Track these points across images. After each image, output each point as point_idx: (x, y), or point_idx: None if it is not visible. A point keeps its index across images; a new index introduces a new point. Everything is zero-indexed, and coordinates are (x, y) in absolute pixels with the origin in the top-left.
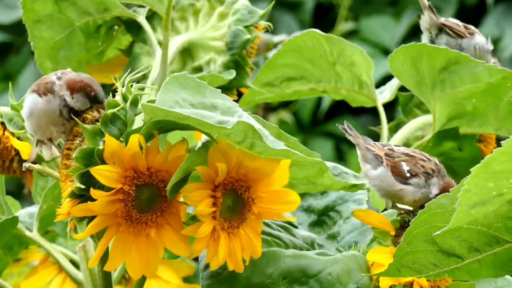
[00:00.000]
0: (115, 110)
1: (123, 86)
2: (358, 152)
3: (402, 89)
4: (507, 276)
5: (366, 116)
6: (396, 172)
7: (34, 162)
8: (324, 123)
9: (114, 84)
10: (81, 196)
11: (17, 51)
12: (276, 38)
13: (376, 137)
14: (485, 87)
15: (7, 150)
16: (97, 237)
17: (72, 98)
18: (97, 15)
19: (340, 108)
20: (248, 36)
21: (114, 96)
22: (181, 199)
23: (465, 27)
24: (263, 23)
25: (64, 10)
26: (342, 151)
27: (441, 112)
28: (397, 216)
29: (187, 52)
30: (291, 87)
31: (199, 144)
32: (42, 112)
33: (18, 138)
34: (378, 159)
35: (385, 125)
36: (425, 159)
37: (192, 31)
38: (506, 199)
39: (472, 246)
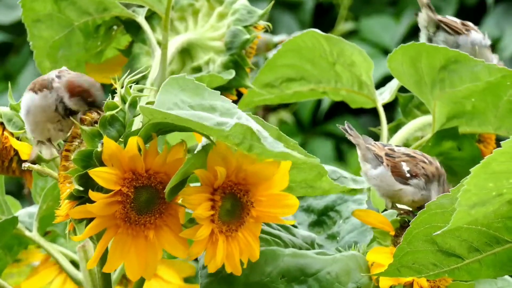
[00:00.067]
0: (113, 112)
1: (122, 88)
2: (358, 151)
3: (401, 90)
4: (507, 277)
5: (366, 116)
6: (396, 172)
7: (33, 162)
8: (324, 123)
9: (113, 84)
10: (80, 198)
11: (17, 51)
12: (276, 38)
13: (376, 137)
14: (485, 86)
15: (6, 150)
16: (96, 238)
17: (70, 100)
18: (96, 15)
19: (340, 108)
20: (247, 36)
21: (113, 97)
22: (180, 201)
23: (463, 24)
24: (263, 23)
25: (63, 9)
26: (342, 151)
27: (441, 111)
28: (397, 216)
29: (186, 52)
30: (291, 88)
31: (199, 147)
32: (38, 108)
33: (17, 138)
34: (378, 158)
35: (385, 126)
36: (426, 161)
37: (191, 31)
38: (506, 199)
39: (472, 246)
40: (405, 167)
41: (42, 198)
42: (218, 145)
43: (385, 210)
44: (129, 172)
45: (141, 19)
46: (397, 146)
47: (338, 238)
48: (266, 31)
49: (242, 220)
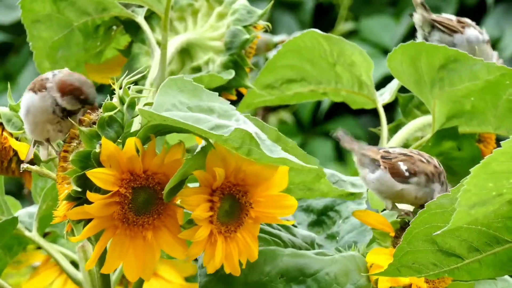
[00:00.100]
0: (111, 113)
1: (120, 88)
2: (355, 157)
3: (401, 90)
4: (507, 277)
5: (366, 116)
6: (395, 173)
7: (32, 163)
8: (324, 123)
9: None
10: (78, 199)
11: (17, 51)
12: (276, 38)
13: (376, 138)
14: (484, 85)
15: (5, 150)
16: (94, 239)
17: (63, 100)
18: (95, 15)
19: (340, 109)
20: (247, 36)
21: (112, 98)
22: (178, 202)
23: (458, 21)
24: (262, 23)
25: (62, 10)
26: (342, 151)
27: (440, 111)
28: (397, 218)
29: (185, 52)
30: (291, 89)
31: (198, 148)
32: (37, 108)
33: (17, 139)
34: (375, 162)
35: (385, 126)
36: (424, 160)
37: (190, 31)
38: (505, 199)
39: (472, 246)
40: (403, 166)
41: (42, 198)
42: (217, 146)
43: (384, 210)
44: (127, 173)
45: (140, 19)
46: (391, 148)
47: (337, 238)
48: (266, 31)
49: (240, 221)
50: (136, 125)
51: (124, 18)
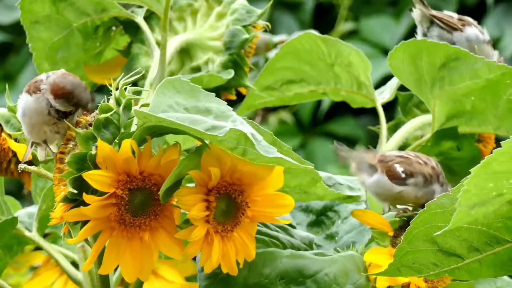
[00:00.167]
0: (108, 114)
1: (116, 90)
2: (352, 165)
3: (401, 89)
4: (506, 277)
5: (366, 116)
6: (391, 175)
7: (30, 163)
8: (324, 123)
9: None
10: (74, 201)
11: (17, 51)
12: (276, 38)
13: (376, 137)
14: (484, 84)
15: (4, 151)
16: (91, 240)
17: (56, 102)
18: (95, 16)
19: (340, 108)
20: (246, 35)
21: (109, 99)
22: (175, 202)
23: (459, 19)
24: (262, 23)
25: (62, 11)
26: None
27: (440, 111)
28: (395, 217)
29: (185, 52)
30: (291, 90)
31: (193, 149)
32: (33, 110)
33: (16, 140)
34: (373, 167)
35: (384, 125)
36: (421, 162)
37: (190, 31)
38: (506, 199)
39: (472, 246)
40: (399, 168)
41: (42, 198)
42: (212, 146)
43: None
44: (123, 175)
45: (139, 20)
46: (388, 151)
47: (336, 238)
48: (266, 30)
49: (237, 220)
50: (134, 126)
51: (124, 18)
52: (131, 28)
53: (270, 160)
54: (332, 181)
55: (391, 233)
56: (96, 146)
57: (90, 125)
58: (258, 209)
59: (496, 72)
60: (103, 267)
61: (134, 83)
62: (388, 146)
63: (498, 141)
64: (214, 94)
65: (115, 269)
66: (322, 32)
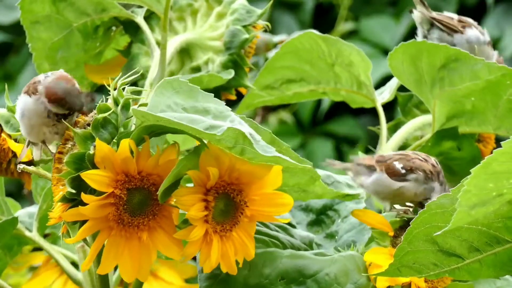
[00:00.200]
0: (106, 114)
1: (114, 90)
2: (350, 174)
3: (401, 89)
4: (507, 276)
5: (366, 116)
6: (391, 172)
7: (30, 163)
8: (324, 123)
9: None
10: (73, 200)
11: (17, 51)
12: (276, 38)
13: (376, 137)
14: (484, 85)
15: (4, 152)
16: (90, 240)
17: (51, 106)
18: (95, 16)
19: (340, 108)
20: (246, 35)
21: (107, 99)
22: (173, 202)
23: (459, 21)
24: (262, 23)
25: (62, 10)
26: (342, 151)
27: (441, 111)
28: (396, 217)
29: (185, 52)
30: (291, 89)
31: (192, 149)
32: (32, 112)
33: (15, 140)
34: (371, 168)
35: (384, 125)
36: (421, 159)
37: (190, 31)
38: (506, 199)
39: (472, 246)
40: (398, 165)
41: (42, 198)
42: (211, 146)
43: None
44: (122, 174)
45: (139, 20)
46: (386, 153)
47: (336, 237)
48: (266, 30)
49: (236, 219)
50: (133, 127)
51: (124, 18)
52: (131, 28)
53: (268, 159)
54: (331, 180)
55: (391, 233)
56: (94, 146)
57: (88, 125)
58: (257, 208)
59: (496, 73)
60: (102, 267)
61: (134, 83)
62: (388, 146)
63: (498, 141)
64: (213, 94)
65: (115, 269)
66: (322, 32)
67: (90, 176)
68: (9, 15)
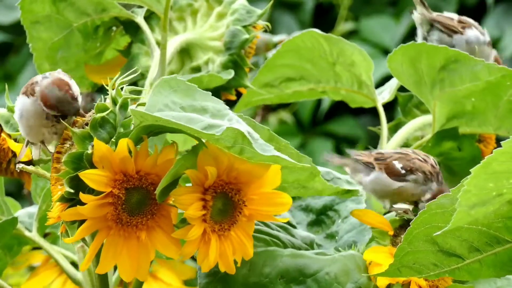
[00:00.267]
0: (104, 114)
1: (113, 89)
2: (348, 170)
3: (401, 89)
4: (508, 276)
5: (366, 116)
6: (390, 172)
7: (29, 163)
8: (324, 123)
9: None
10: (71, 200)
11: (17, 51)
12: (276, 38)
13: (376, 137)
14: (484, 86)
15: (4, 152)
16: (89, 239)
17: (46, 109)
18: (95, 16)
19: (340, 108)
20: (246, 36)
21: (106, 99)
22: (172, 202)
23: (460, 21)
24: (262, 23)
25: (62, 10)
26: (342, 151)
27: (441, 111)
28: (396, 216)
29: (185, 52)
30: (290, 87)
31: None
32: (31, 113)
33: (15, 140)
34: (369, 165)
35: (384, 126)
36: (420, 159)
37: (190, 31)
38: (506, 199)
39: (472, 246)
40: (398, 165)
41: (42, 198)
42: (209, 145)
43: (385, 213)
44: (120, 174)
45: (140, 20)
46: (384, 149)
47: (336, 237)
48: (266, 31)
49: (234, 219)
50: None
51: (124, 18)
52: (132, 28)
53: (267, 158)
54: (330, 176)
55: (391, 232)
56: (93, 146)
57: (87, 124)
58: (255, 208)
59: (496, 74)
60: (100, 266)
61: (135, 83)
62: (388, 146)
63: (499, 141)
64: (210, 93)
65: (115, 270)
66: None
67: (88, 176)
68: (9, 15)
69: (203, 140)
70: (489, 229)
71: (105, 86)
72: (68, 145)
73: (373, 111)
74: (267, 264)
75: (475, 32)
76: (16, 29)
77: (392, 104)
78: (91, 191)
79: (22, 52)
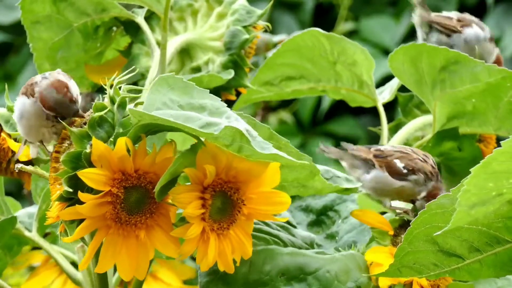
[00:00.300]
0: (102, 113)
1: (111, 88)
2: (344, 163)
3: (401, 89)
4: (508, 276)
5: (366, 116)
6: (392, 171)
7: (29, 163)
8: (324, 123)
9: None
10: (70, 199)
11: (17, 51)
12: (276, 38)
13: (376, 138)
14: (485, 87)
15: (4, 151)
16: (88, 239)
17: (46, 111)
18: (95, 16)
19: (340, 108)
20: (246, 36)
21: (104, 98)
22: (170, 200)
23: (459, 20)
24: (262, 23)
25: (62, 11)
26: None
27: (441, 112)
28: (396, 216)
29: (185, 53)
30: (290, 86)
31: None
32: (30, 113)
33: (15, 140)
34: (368, 162)
35: (385, 126)
36: (421, 159)
37: (190, 32)
38: (506, 199)
39: (472, 246)
40: (400, 164)
41: (42, 198)
42: (208, 144)
43: (384, 213)
44: (119, 173)
45: (140, 20)
46: (383, 146)
47: (337, 237)
48: (266, 31)
49: (233, 218)
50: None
51: (124, 18)
52: (132, 28)
53: (266, 156)
54: (329, 174)
55: (391, 232)
56: (91, 145)
57: (85, 123)
58: (254, 207)
59: (496, 76)
60: (99, 266)
61: (134, 83)
62: None
63: (499, 141)
64: (208, 90)
65: (115, 270)
66: None
67: (87, 175)
68: (9, 15)
69: (202, 139)
70: (489, 229)
71: (103, 86)
72: (66, 145)
73: (374, 111)
74: (267, 262)
75: (474, 29)
76: (16, 29)
77: (392, 104)
78: (89, 190)
79: (22, 52)
